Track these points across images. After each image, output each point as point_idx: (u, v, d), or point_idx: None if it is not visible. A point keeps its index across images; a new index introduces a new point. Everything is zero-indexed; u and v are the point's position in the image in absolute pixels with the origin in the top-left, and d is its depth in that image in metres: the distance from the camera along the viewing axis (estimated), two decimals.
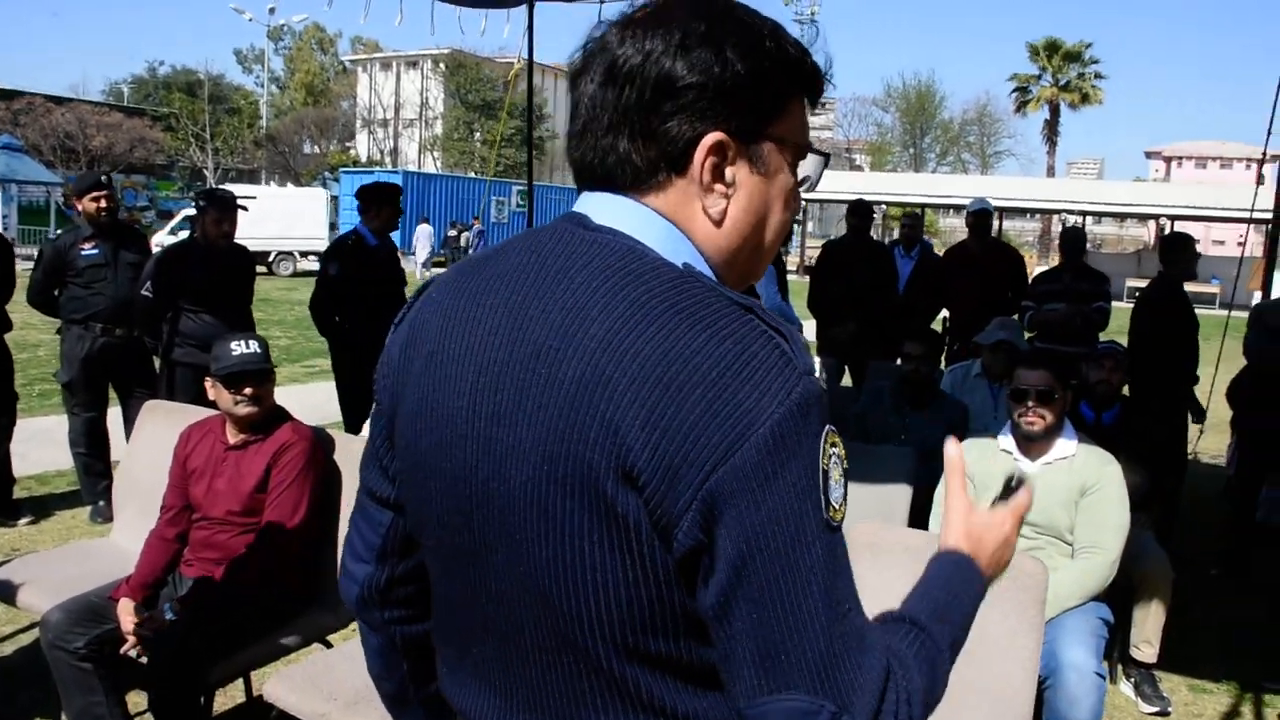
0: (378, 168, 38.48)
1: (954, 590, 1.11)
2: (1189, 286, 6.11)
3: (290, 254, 26.85)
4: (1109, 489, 3.31)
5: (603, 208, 1.03)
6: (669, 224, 1.01)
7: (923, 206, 37.45)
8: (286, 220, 26.13)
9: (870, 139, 64.75)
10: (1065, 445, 3.43)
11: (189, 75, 55.36)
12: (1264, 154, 6.30)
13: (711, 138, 0.99)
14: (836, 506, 0.90)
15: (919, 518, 3.72)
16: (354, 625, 3.54)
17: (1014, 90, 53.76)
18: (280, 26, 56.25)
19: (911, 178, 44.41)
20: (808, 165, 1.10)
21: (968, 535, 1.19)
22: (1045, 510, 3.32)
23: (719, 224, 1.03)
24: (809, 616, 0.87)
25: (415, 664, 1.27)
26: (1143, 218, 34.86)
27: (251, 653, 3.01)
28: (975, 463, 3.42)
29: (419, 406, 1.05)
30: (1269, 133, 6.05)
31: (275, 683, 2.77)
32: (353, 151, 53.26)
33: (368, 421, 5.10)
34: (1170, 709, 4.03)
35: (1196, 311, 6.08)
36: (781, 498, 0.86)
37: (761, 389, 0.87)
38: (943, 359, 6.76)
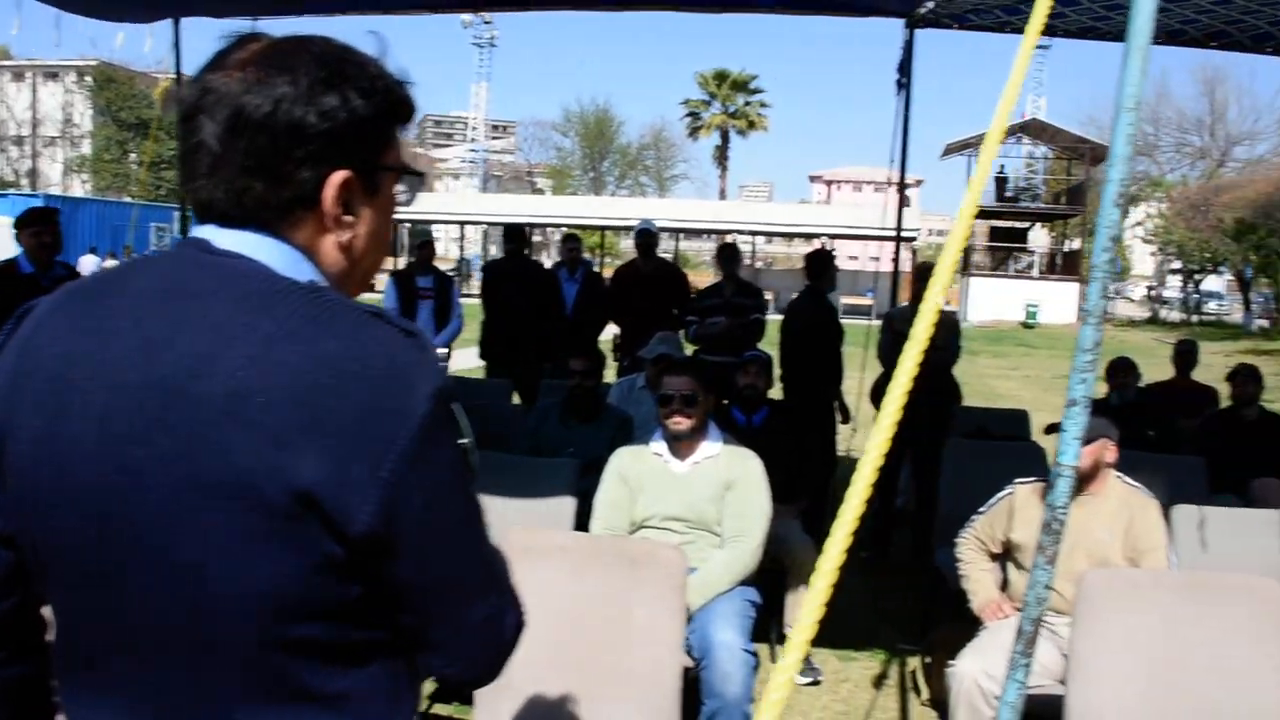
0: (13, 190, 34.52)
1: None
2: (849, 299, 6.75)
3: None
4: (751, 482, 3.63)
5: (226, 236, 1.07)
6: (289, 246, 1.08)
7: (603, 228, 38.80)
8: None
9: (551, 162, 66.23)
10: (711, 446, 3.73)
11: None
12: (902, 179, 7.00)
13: (339, 177, 1.07)
14: (471, 461, 1.11)
15: (583, 524, 3.87)
16: None
17: (686, 116, 56.92)
18: None
19: (592, 200, 45.81)
20: (405, 183, 1.20)
21: None
22: (695, 506, 3.60)
23: (346, 249, 1.12)
24: (480, 550, 1.11)
25: (15, 710, 1.22)
26: (808, 237, 37.97)
27: None
28: (629, 466, 3.68)
29: (39, 434, 1.04)
30: (904, 160, 6.82)
31: None
32: None
33: None
34: (821, 678, 4.44)
35: (856, 321, 6.73)
36: (446, 470, 1.04)
37: (411, 384, 1.01)
38: (615, 373, 7.09)
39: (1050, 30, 6.69)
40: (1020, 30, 6.65)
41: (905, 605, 5.42)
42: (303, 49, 1.07)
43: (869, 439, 1.60)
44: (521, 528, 2.89)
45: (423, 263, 7.48)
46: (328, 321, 1.00)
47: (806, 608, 1.40)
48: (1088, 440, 3.33)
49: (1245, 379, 5.98)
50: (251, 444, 0.96)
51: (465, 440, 1.09)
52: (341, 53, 1.09)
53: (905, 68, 6.71)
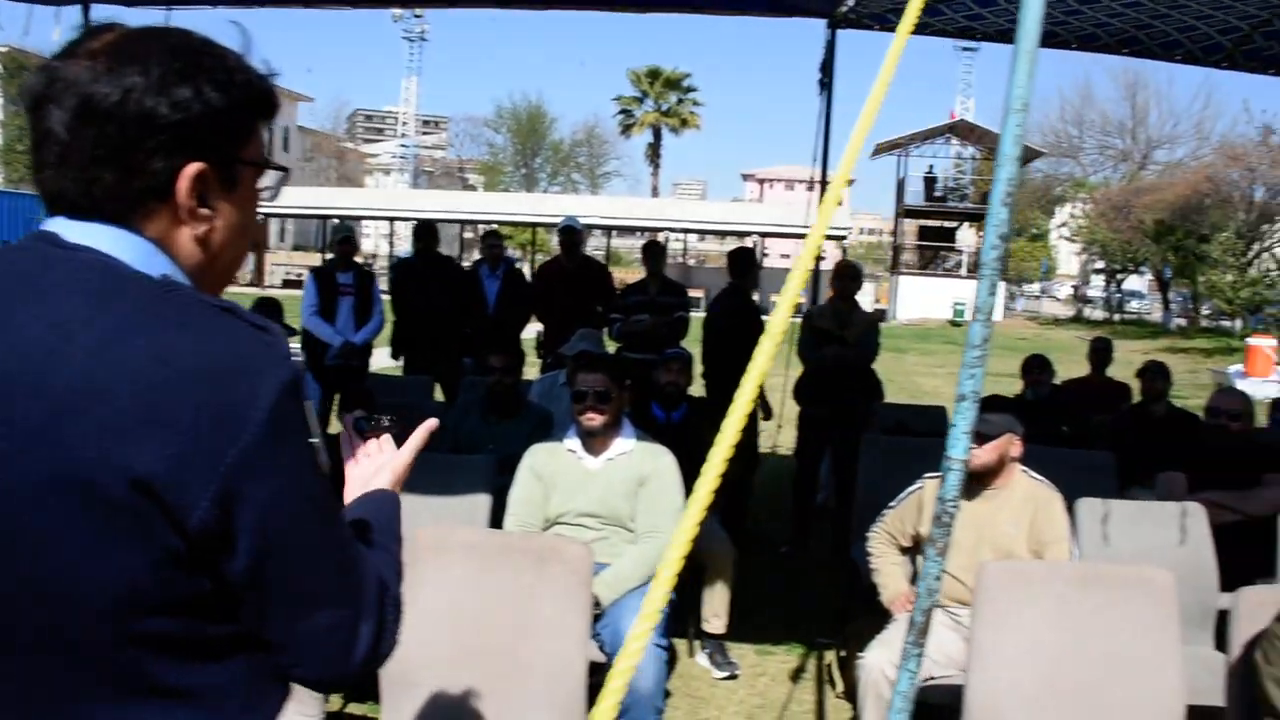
0: None
1: (395, 516, 1.36)
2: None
3: None
4: (664, 478, 3.66)
5: (76, 228, 1.06)
6: (143, 239, 1.07)
7: (534, 225, 38.68)
8: None
9: (483, 159, 65.71)
10: (624, 443, 3.74)
11: None
12: (824, 178, 7.04)
13: (192, 169, 1.06)
14: (322, 460, 1.09)
15: (499, 521, 3.85)
16: None
17: (619, 113, 56.98)
18: None
19: (524, 197, 45.66)
20: (268, 178, 1.20)
21: (394, 479, 1.41)
22: (608, 502, 3.62)
23: (203, 243, 1.11)
24: (326, 552, 1.09)
25: None
26: (740, 235, 38.24)
27: None
28: (543, 463, 3.67)
29: None
30: (825, 159, 6.88)
31: None
32: None
33: None
34: (738, 672, 4.47)
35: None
36: (290, 468, 1.04)
37: (256, 379, 1.00)
38: (539, 370, 7.08)
39: (969, 33, 6.83)
40: (939, 32, 6.82)
41: (824, 600, 5.48)
42: (156, 40, 1.07)
43: (725, 431, 1.60)
44: (430, 525, 2.88)
45: (343, 259, 7.39)
46: (174, 316, 1.01)
47: (650, 595, 1.41)
48: (993, 435, 3.41)
49: (1154, 375, 6.14)
50: (94, 438, 0.96)
51: (314, 439, 1.08)
52: (198, 45, 1.09)
53: (827, 68, 6.78)
